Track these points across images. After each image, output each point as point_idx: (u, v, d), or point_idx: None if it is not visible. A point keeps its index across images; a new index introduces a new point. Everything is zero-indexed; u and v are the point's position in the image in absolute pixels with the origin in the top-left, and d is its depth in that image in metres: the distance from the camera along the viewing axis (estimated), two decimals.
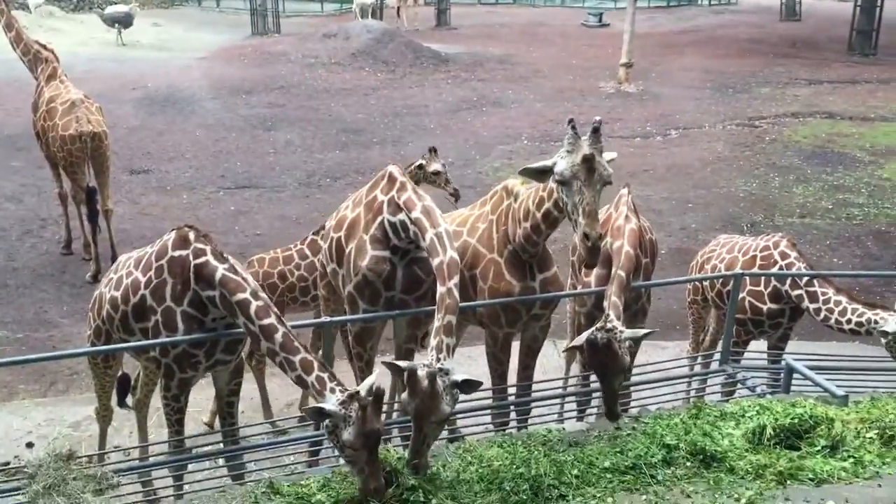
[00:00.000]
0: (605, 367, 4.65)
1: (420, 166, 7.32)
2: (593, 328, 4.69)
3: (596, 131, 4.56)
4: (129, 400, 6.23)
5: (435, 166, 7.30)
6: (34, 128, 10.50)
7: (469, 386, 4.20)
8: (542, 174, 4.78)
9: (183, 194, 13.26)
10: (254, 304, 4.39)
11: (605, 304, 4.97)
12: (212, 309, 4.67)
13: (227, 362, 5.04)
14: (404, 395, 4.13)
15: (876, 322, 5.85)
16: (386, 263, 5.11)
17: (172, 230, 4.85)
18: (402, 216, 4.91)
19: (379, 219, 5.10)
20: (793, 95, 21.44)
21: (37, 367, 7.80)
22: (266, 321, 4.34)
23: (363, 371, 5.54)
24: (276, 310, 4.43)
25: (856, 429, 4.70)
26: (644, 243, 6.02)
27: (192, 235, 4.71)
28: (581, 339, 4.78)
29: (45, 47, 10.62)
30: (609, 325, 4.65)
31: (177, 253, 4.71)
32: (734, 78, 23.29)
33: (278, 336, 4.29)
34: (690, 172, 15.18)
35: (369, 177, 14.22)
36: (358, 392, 3.96)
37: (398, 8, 32.11)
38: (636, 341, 4.97)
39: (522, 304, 5.49)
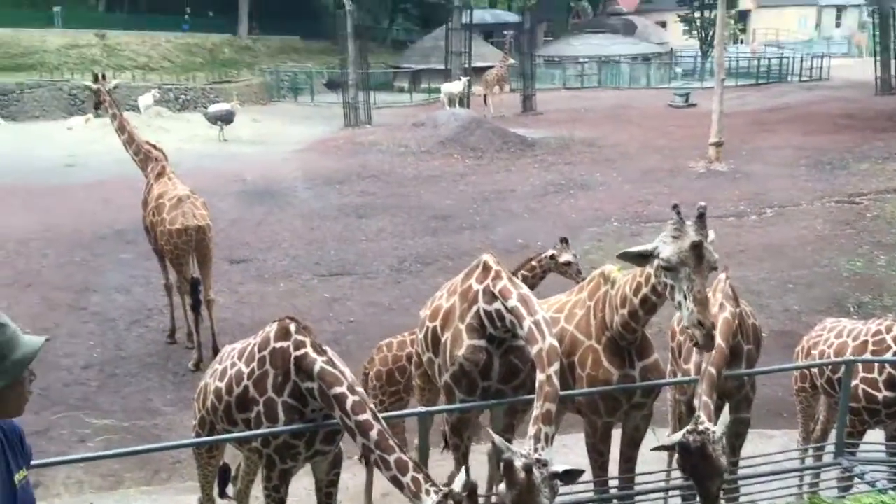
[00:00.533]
0: (701, 471, 4.47)
1: (552, 256, 7.29)
2: (684, 430, 4.54)
3: (701, 217, 4.52)
4: (230, 490, 6.31)
5: (566, 257, 7.25)
6: (144, 222, 11.07)
7: (570, 476, 4.10)
8: (641, 259, 4.74)
9: (280, 282, 13.65)
10: (350, 399, 4.43)
11: (696, 402, 4.82)
12: (311, 401, 4.74)
13: (326, 453, 5.07)
14: (501, 487, 4.06)
15: None
16: (482, 353, 5.10)
17: (274, 322, 4.98)
18: (497, 305, 4.93)
19: (474, 308, 5.12)
20: (893, 170, 20.68)
21: (142, 455, 8.00)
22: (362, 417, 4.36)
23: (460, 462, 5.48)
24: (372, 406, 4.46)
25: None
26: (746, 329, 5.84)
27: (292, 327, 4.82)
28: (672, 441, 4.63)
29: (154, 147, 11.28)
30: (701, 427, 4.48)
31: (278, 344, 4.82)
32: (830, 154, 22.68)
33: (373, 433, 4.30)
34: (788, 252, 14.72)
35: (459, 262, 14.30)
36: (451, 490, 3.92)
37: (485, 95, 32.89)
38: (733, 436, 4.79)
39: (622, 392, 5.36)
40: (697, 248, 4.44)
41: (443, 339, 5.37)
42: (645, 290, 4.98)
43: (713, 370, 5.00)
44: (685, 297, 4.50)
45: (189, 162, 21.27)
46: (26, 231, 16.37)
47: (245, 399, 4.96)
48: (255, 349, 4.98)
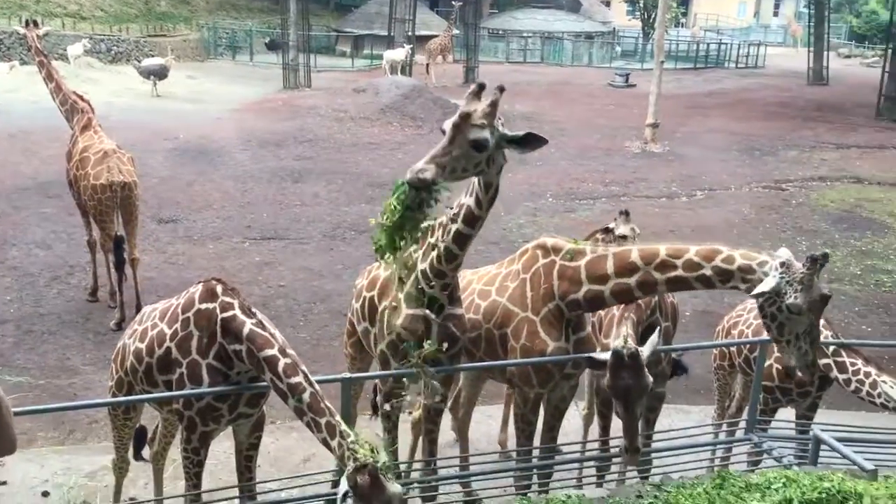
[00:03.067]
0: (627, 384, 4.84)
1: (607, 230, 6.73)
2: (617, 343, 4.93)
3: (822, 266, 4.69)
4: (146, 452, 6.19)
5: (623, 230, 6.63)
6: (67, 176, 10.69)
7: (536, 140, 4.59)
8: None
9: (209, 244, 13.39)
10: (282, 362, 4.37)
11: (622, 331, 5.19)
12: (237, 363, 4.66)
13: (249, 416, 5.02)
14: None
15: None
16: (421, 322, 5.06)
17: (199, 283, 4.88)
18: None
19: (414, 276, 5.06)
20: (820, 159, 21.40)
21: (56, 414, 7.80)
22: (294, 380, 4.31)
23: (390, 431, 5.49)
24: (304, 368, 4.41)
25: None
26: (664, 306, 5.99)
27: (219, 289, 4.73)
28: (604, 357, 4.96)
29: (81, 98, 10.87)
30: (631, 344, 4.91)
31: (204, 306, 4.73)
32: (761, 140, 23.31)
33: (306, 396, 4.25)
34: (716, 234, 15.05)
35: None
36: (367, 464, 3.87)
37: (427, 65, 32.63)
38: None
39: (555, 364, 5.40)
40: (826, 301, 4.72)
41: (380, 308, 5.33)
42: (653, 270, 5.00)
43: (634, 317, 5.43)
44: (802, 340, 4.78)
45: (119, 116, 20.60)
46: None
47: (167, 360, 4.86)
48: (179, 310, 4.87)
